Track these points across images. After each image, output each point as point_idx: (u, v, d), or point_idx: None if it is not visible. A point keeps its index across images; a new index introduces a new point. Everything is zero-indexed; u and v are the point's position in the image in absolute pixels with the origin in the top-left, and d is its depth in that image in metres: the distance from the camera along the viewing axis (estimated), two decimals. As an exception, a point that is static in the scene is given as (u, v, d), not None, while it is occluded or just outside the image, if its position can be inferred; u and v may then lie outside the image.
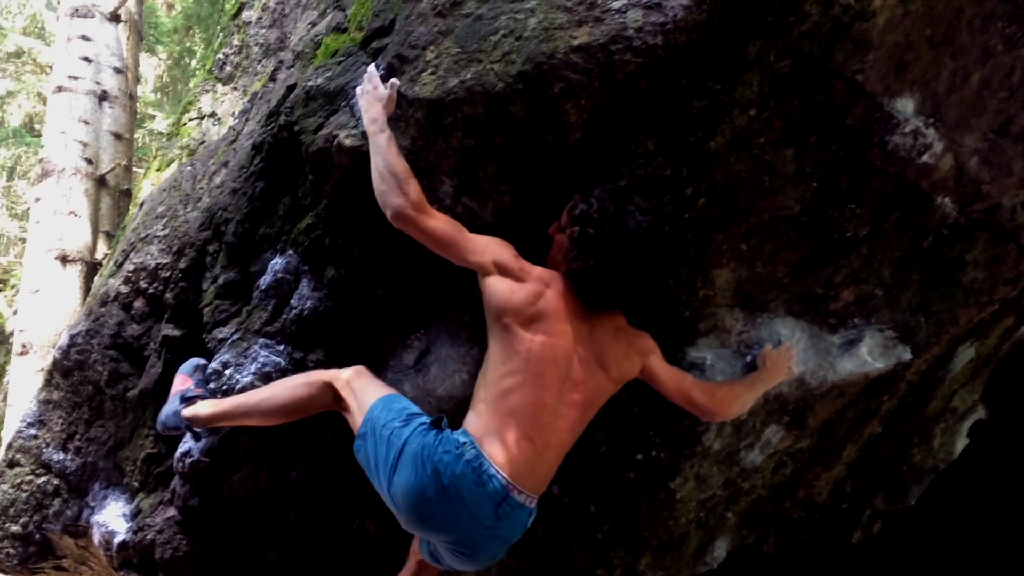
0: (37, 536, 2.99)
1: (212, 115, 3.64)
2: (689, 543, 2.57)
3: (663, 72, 1.82)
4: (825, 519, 3.01)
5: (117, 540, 2.68)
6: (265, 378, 2.31)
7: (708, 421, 2.19)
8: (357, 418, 1.97)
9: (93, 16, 5.33)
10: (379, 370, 2.24)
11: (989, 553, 3.48)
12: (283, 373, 2.30)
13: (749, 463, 2.47)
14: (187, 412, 2.26)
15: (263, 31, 3.56)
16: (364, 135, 1.96)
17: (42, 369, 4.13)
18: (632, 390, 2.25)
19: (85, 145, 5.15)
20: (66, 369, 2.80)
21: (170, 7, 10.52)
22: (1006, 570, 3.43)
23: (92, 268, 5.01)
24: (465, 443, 1.80)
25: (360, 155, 2.00)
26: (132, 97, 5.65)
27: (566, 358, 1.87)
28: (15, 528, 2.99)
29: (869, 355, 2.32)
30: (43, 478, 2.92)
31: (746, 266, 2.17)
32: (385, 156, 1.85)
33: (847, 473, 2.88)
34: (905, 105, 2.03)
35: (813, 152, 2.04)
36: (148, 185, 3.78)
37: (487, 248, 1.89)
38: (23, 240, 9.12)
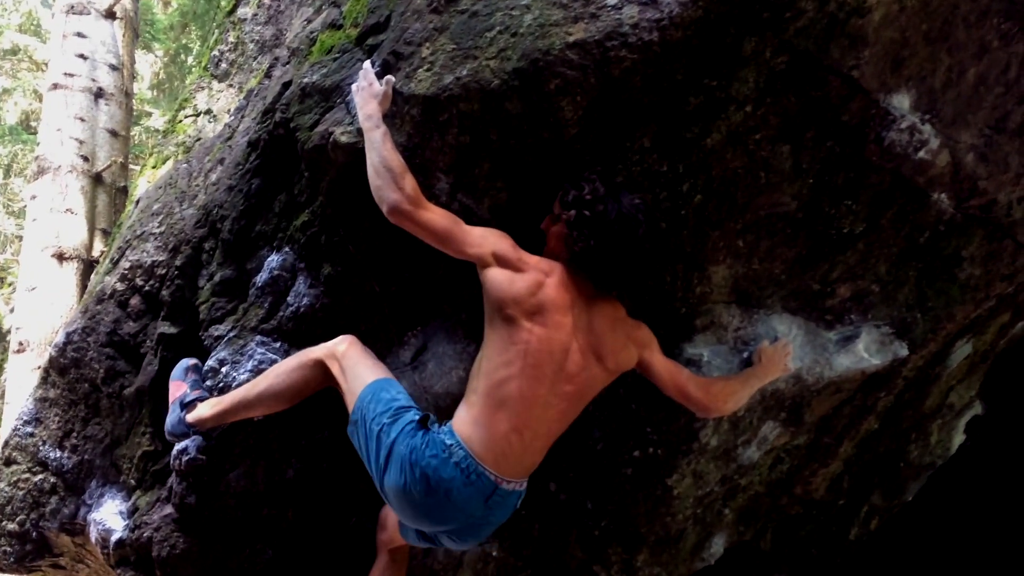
0: (34, 534, 2.98)
1: (208, 112, 3.63)
2: (686, 539, 2.57)
3: (659, 68, 1.82)
4: (822, 515, 3.01)
5: (114, 538, 2.68)
6: (262, 376, 2.31)
7: (703, 416, 2.19)
8: (348, 400, 1.99)
9: (89, 13, 5.32)
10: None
11: (987, 549, 3.48)
12: (280, 371, 2.30)
13: (746, 459, 2.47)
14: (191, 418, 2.27)
15: (259, 28, 3.55)
16: (360, 132, 1.95)
17: (39, 367, 4.12)
18: (629, 387, 2.25)
19: (81, 142, 5.15)
20: (62, 367, 2.80)
21: (166, 4, 10.49)
22: (1003, 566, 3.44)
23: (88, 265, 5.00)
24: (452, 445, 1.82)
25: (356, 152, 1.99)
26: (128, 94, 5.65)
27: (563, 350, 1.87)
28: (12, 526, 2.99)
29: (866, 351, 2.32)
30: (40, 476, 2.92)
31: (742, 262, 2.17)
32: (380, 152, 1.85)
33: (844, 469, 2.88)
34: (901, 101, 2.03)
35: (809, 148, 2.04)
36: (144, 182, 3.77)
37: (485, 239, 1.88)
38: (20, 238, 9.09)
